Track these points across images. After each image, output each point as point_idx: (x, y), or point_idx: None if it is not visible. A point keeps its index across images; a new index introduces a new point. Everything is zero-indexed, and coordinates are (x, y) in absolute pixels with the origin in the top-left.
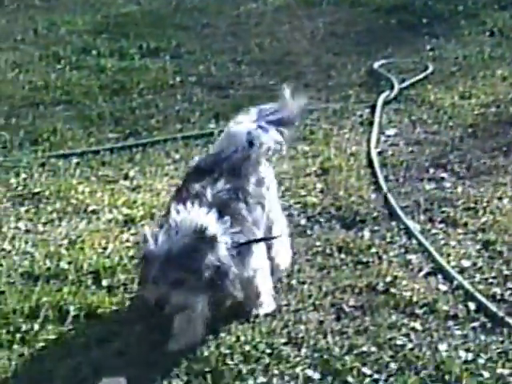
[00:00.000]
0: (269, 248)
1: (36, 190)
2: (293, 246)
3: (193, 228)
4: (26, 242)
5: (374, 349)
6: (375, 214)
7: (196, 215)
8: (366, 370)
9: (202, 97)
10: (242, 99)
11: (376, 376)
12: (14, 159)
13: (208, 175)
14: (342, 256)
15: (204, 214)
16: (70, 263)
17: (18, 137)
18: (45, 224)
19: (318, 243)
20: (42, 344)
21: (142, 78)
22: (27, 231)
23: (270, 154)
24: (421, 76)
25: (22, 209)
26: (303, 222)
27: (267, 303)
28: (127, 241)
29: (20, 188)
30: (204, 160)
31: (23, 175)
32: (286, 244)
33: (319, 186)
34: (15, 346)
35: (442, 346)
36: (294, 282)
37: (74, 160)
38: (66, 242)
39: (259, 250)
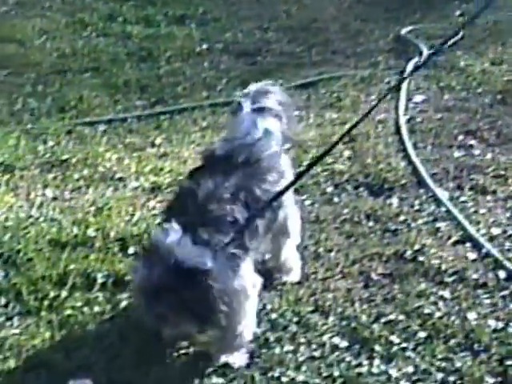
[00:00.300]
0: (279, 249)
1: (63, 158)
2: (319, 216)
3: (170, 259)
4: (54, 209)
5: (402, 317)
6: (403, 182)
7: (173, 242)
8: (394, 339)
9: (228, 64)
10: (269, 66)
11: (404, 345)
12: (41, 127)
13: (223, 168)
14: (370, 224)
15: (181, 239)
16: (97, 230)
17: (46, 104)
18: (72, 191)
19: (345, 211)
20: (69, 311)
21: (169, 46)
22: (54, 198)
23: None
24: (450, 42)
25: (50, 176)
26: (330, 189)
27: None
28: (154, 208)
29: (47, 155)
30: (220, 148)
31: (50, 142)
32: (295, 249)
33: (347, 153)
34: (43, 313)
35: (471, 315)
36: (321, 250)
37: (101, 127)
38: (93, 209)
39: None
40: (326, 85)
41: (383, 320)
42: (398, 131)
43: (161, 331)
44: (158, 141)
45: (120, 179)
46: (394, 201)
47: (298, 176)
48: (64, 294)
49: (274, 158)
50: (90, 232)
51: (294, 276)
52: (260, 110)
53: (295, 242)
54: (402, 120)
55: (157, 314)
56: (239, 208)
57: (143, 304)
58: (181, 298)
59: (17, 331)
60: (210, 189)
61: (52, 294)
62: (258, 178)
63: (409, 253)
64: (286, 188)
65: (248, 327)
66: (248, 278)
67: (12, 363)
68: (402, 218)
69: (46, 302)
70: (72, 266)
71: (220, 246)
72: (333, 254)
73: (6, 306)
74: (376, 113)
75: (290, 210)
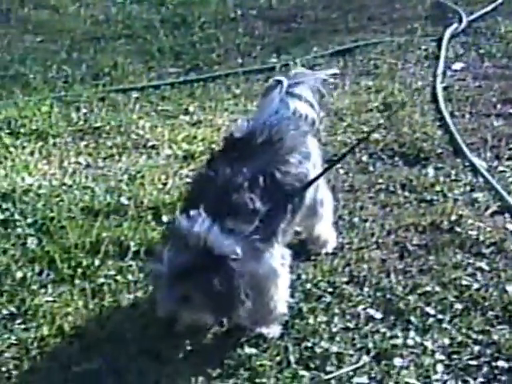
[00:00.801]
0: (312, 227)
1: (96, 125)
2: (353, 185)
3: (200, 245)
4: (87, 177)
5: (438, 288)
6: (440, 151)
7: (203, 230)
8: (430, 310)
9: (263, 30)
10: (304, 33)
11: (440, 316)
12: (74, 94)
13: (243, 151)
14: (406, 194)
15: (210, 227)
16: (129, 199)
17: (79, 71)
18: (105, 159)
19: (380, 180)
20: (102, 279)
21: (203, 12)
22: (87, 166)
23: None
24: (490, 7)
25: (82, 143)
26: (365, 158)
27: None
28: (187, 176)
29: (80, 123)
30: (240, 129)
31: (84, 110)
32: (330, 225)
33: (382, 121)
34: (77, 281)
35: (510, 287)
36: (356, 219)
37: (134, 95)
38: (126, 177)
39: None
40: (363, 52)
41: (419, 291)
42: (434, 99)
43: (177, 318)
44: (191, 108)
45: (153, 147)
46: (430, 170)
47: (326, 169)
48: (97, 262)
49: (299, 138)
50: (123, 200)
51: (329, 248)
52: (292, 94)
53: (329, 222)
54: (439, 88)
55: (181, 296)
56: (258, 195)
57: (164, 288)
58: (208, 282)
59: (50, 299)
60: (228, 176)
61: (85, 262)
62: (280, 159)
63: (445, 223)
64: (313, 180)
65: (281, 301)
66: (276, 261)
67: (45, 331)
68: (437, 187)
69: (79, 270)
70: (105, 234)
71: (246, 234)
72: (368, 223)
73: (40, 273)
74: (412, 80)
75: (321, 193)
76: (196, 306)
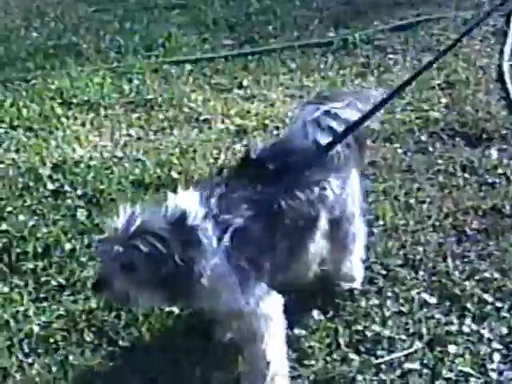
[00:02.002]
0: (339, 261)
1: (148, 97)
2: (411, 165)
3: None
4: (138, 150)
5: (497, 275)
6: (504, 132)
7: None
8: (488, 297)
9: (321, 3)
10: (364, 6)
11: (498, 304)
12: (127, 65)
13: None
14: (466, 175)
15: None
16: (180, 173)
17: (132, 42)
18: (156, 132)
19: (439, 161)
20: None
21: None
22: (139, 139)
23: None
24: None
25: (134, 115)
26: (424, 138)
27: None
28: (239, 151)
29: (132, 94)
30: (262, 151)
31: (136, 81)
32: (359, 261)
33: (444, 100)
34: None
35: None
36: (412, 201)
37: (188, 67)
38: (177, 150)
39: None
40: (425, 27)
41: (477, 277)
42: (500, 78)
43: (105, 285)
44: (245, 82)
45: (205, 121)
46: (493, 152)
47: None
48: None
49: (316, 173)
50: (174, 174)
51: (355, 285)
52: (319, 123)
53: (358, 257)
54: (506, 66)
55: (126, 262)
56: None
57: (108, 247)
58: (167, 251)
59: None
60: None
61: None
62: (287, 192)
63: (507, 207)
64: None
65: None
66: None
67: (93, 303)
68: (500, 170)
69: None
70: None
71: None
72: (425, 205)
73: (89, 246)
74: (477, 58)
75: (356, 226)
76: (141, 277)
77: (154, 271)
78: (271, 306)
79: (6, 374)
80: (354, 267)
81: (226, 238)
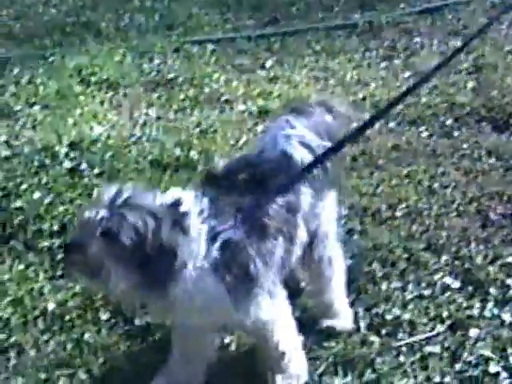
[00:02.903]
0: (320, 292)
1: (169, 77)
2: (436, 149)
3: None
4: (157, 130)
5: None
6: None
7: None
8: (511, 283)
9: None
10: None
11: None
12: (147, 44)
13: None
14: (491, 161)
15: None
16: (200, 153)
17: (153, 20)
18: (176, 112)
19: (464, 146)
20: None
21: None
22: (158, 118)
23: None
24: None
25: (154, 95)
26: (449, 122)
27: (296, 367)
28: (262, 133)
29: (153, 74)
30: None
31: (156, 60)
32: (343, 295)
33: (470, 84)
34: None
35: None
36: (436, 185)
37: (210, 47)
38: (197, 131)
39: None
40: (452, 10)
41: (500, 262)
42: None
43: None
44: (268, 63)
45: (227, 101)
46: None
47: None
48: None
49: (285, 184)
50: (193, 154)
51: (346, 324)
52: (287, 134)
53: (341, 290)
54: None
55: (108, 228)
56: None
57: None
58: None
59: None
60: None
61: None
62: (258, 203)
63: None
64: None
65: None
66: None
67: None
68: None
69: None
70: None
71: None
72: (449, 190)
73: None
74: (505, 43)
75: (330, 250)
76: (118, 249)
77: (137, 245)
78: (275, 306)
79: (20, 350)
80: (339, 302)
81: (215, 248)
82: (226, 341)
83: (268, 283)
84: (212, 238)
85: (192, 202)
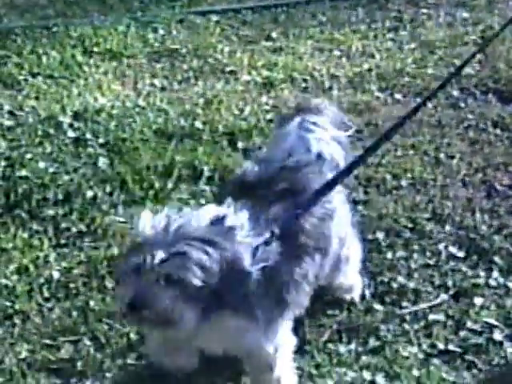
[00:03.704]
0: (333, 279)
1: (173, 47)
2: (441, 120)
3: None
4: (161, 100)
5: None
6: None
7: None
8: None
9: None
10: None
11: None
12: (151, 14)
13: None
14: (497, 131)
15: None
16: (205, 123)
17: None
18: (180, 82)
19: (470, 116)
20: (175, 202)
21: None
22: (162, 89)
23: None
24: None
25: (158, 66)
26: (456, 93)
27: None
28: (266, 104)
29: (157, 44)
30: (254, 172)
31: (161, 31)
32: (356, 273)
33: (477, 56)
34: (148, 203)
35: None
36: (441, 155)
37: (214, 18)
38: (201, 101)
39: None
40: None
41: (505, 232)
42: None
43: (143, 304)
44: (273, 34)
45: (231, 72)
46: None
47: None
48: (170, 185)
49: (323, 189)
50: (198, 124)
51: (355, 295)
52: (312, 131)
53: (355, 270)
54: None
55: (166, 274)
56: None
57: (143, 259)
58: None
59: (121, 219)
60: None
61: (157, 185)
62: (299, 214)
63: None
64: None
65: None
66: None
67: (115, 250)
68: None
69: (150, 192)
70: (178, 158)
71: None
72: (454, 161)
73: (110, 194)
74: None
75: (348, 248)
76: (184, 290)
77: (207, 281)
78: (285, 336)
79: (25, 317)
80: (350, 279)
81: (257, 268)
82: None
83: (295, 309)
84: (253, 254)
85: (233, 216)
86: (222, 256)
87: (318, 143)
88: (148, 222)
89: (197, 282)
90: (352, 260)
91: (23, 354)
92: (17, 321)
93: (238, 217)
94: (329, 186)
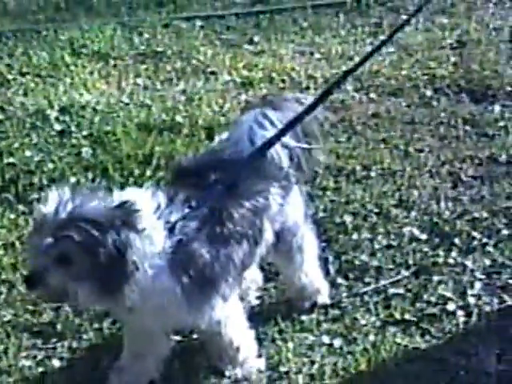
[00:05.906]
0: (291, 276)
1: (158, 49)
2: (414, 117)
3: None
4: (144, 97)
5: (487, 215)
6: (509, 89)
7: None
8: (476, 235)
9: None
10: None
11: (485, 240)
12: (137, 19)
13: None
14: (467, 128)
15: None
16: (185, 118)
17: None
18: (163, 82)
19: (442, 114)
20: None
21: None
22: (145, 88)
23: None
24: None
25: (142, 66)
26: (429, 93)
27: (253, 360)
28: (245, 102)
29: (142, 47)
30: (193, 160)
31: (146, 35)
32: (317, 272)
33: (452, 59)
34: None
35: None
36: (411, 149)
37: (199, 23)
38: (183, 98)
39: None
40: None
41: (467, 217)
42: None
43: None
44: (255, 38)
45: (212, 73)
46: (496, 107)
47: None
48: (148, 172)
49: (259, 184)
50: (179, 118)
51: (321, 299)
52: (263, 124)
53: (314, 268)
54: None
55: (60, 253)
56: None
57: (39, 237)
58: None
59: None
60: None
61: (137, 172)
62: (229, 204)
63: (503, 157)
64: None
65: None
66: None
67: None
68: (501, 123)
69: (131, 179)
70: (158, 149)
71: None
72: (423, 154)
73: (92, 180)
74: (491, 20)
75: (301, 237)
76: (78, 268)
77: (92, 261)
78: (228, 306)
79: (10, 286)
80: (313, 280)
81: (169, 244)
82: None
83: (224, 287)
84: (170, 230)
85: (147, 199)
86: (110, 238)
87: (262, 139)
88: (51, 203)
89: (80, 261)
90: (307, 252)
91: (8, 317)
92: (3, 289)
93: (155, 199)
94: (267, 144)
